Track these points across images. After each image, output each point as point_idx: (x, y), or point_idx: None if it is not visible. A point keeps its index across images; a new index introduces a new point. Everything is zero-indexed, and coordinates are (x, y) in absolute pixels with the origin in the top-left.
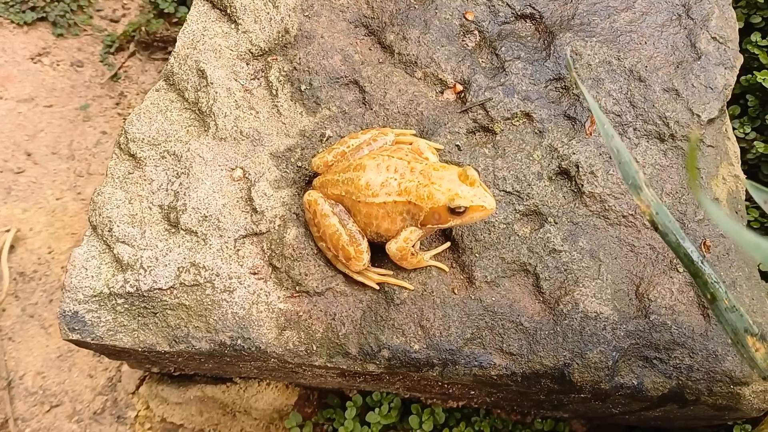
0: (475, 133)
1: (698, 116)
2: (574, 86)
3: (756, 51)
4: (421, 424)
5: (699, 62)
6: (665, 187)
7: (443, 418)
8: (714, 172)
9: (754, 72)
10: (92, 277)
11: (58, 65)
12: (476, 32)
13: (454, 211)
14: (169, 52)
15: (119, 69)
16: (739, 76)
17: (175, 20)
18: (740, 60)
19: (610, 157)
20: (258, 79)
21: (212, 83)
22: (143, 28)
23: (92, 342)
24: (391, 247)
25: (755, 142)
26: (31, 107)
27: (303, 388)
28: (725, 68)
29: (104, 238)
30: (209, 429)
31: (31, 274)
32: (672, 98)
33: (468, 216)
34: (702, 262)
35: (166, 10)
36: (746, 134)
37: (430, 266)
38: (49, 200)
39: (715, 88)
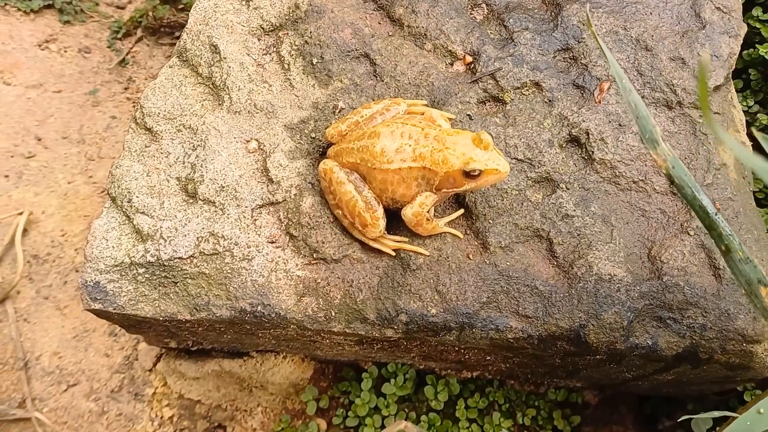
0: (485, 103)
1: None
2: (582, 56)
3: (758, 25)
4: (436, 395)
5: (704, 31)
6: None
7: (458, 389)
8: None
9: (757, 46)
10: (113, 247)
11: (65, 51)
12: (484, 5)
13: (468, 175)
14: (177, 37)
15: (127, 54)
16: (741, 51)
17: (181, 6)
18: (744, 29)
19: (620, 124)
20: (270, 53)
21: (225, 58)
22: (150, 14)
23: (114, 312)
24: (407, 212)
25: (758, 115)
26: (40, 93)
27: (318, 362)
28: (729, 37)
29: (124, 209)
30: (226, 404)
31: (44, 257)
32: (678, 66)
33: (483, 179)
34: (717, 215)
35: None
36: (749, 107)
37: (444, 233)
38: (61, 184)
39: (720, 56)
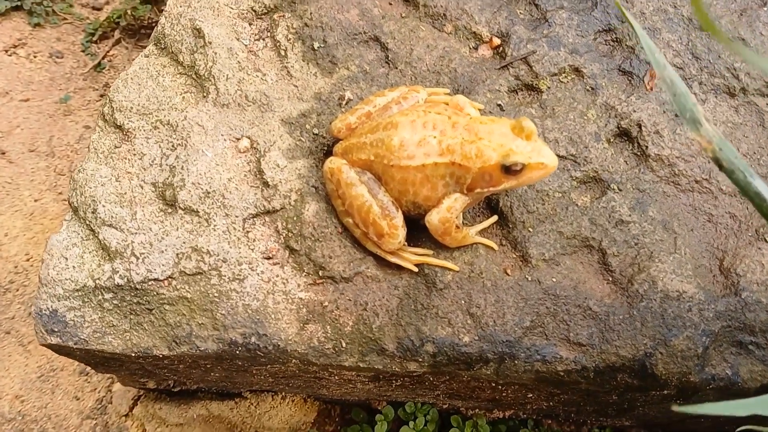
0: (517, 92)
1: None
2: (627, 38)
3: None
4: None
5: (766, 8)
6: (740, 147)
7: (488, 431)
8: None
9: None
10: (74, 267)
11: (35, 57)
12: None
13: (509, 170)
14: None
15: (103, 58)
16: None
17: (163, 6)
18: None
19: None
20: (263, 39)
21: (210, 43)
22: (129, 13)
23: (75, 347)
24: (433, 219)
25: None
26: (6, 102)
27: (323, 402)
28: None
29: (87, 222)
30: None
31: (6, 285)
32: (739, 48)
33: (525, 176)
34: None
35: None
36: None
37: (476, 243)
38: (27, 202)
39: None
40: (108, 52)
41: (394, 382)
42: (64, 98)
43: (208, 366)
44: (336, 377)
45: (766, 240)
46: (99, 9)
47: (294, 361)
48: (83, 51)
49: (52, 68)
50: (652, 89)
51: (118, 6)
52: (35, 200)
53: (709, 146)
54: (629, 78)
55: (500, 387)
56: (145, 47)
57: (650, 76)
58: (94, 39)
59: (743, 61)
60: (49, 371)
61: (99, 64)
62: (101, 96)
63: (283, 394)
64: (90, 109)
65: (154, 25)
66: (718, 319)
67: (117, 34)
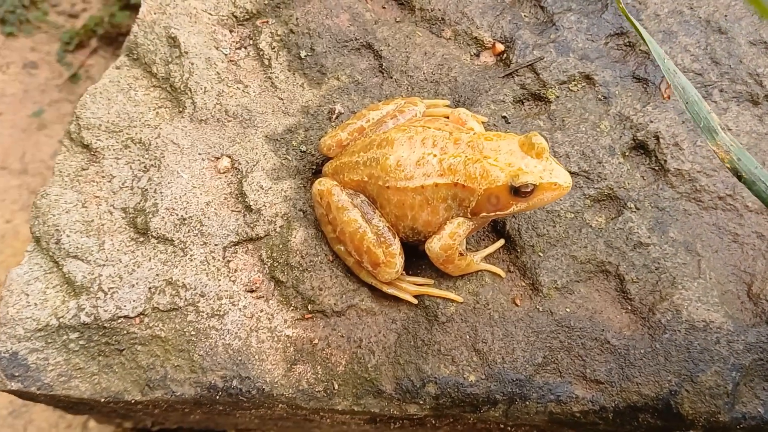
0: (523, 102)
1: None
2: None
3: None
4: None
5: None
6: (766, 159)
7: None
8: None
9: None
10: (36, 305)
11: (8, 68)
12: None
13: (518, 192)
14: None
15: (79, 68)
16: None
17: None
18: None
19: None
20: (245, 47)
21: (187, 52)
22: (106, 20)
23: (39, 392)
24: (434, 246)
25: None
26: None
27: None
28: None
29: (50, 253)
30: None
31: None
32: (761, 52)
33: (537, 198)
34: None
35: (132, 1)
36: None
37: (481, 271)
38: None
39: None
40: (84, 61)
41: (392, 424)
42: (38, 112)
43: (186, 410)
44: (328, 420)
45: None
46: (75, 16)
47: (281, 405)
48: (59, 61)
49: (26, 80)
50: (669, 97)
51: (95, 13)
52: (6, 221)
53: (727, 156)
54: (644, 85)
55: (510, 428)
56: None
57: (667, 84)
58: (70, 48)
59: (766, 66)
60: (21, 406)
61: (75, 74)
62: None
63: None
64: (65, 122)
65: None
66: (748, 352)
67: (94, 43)
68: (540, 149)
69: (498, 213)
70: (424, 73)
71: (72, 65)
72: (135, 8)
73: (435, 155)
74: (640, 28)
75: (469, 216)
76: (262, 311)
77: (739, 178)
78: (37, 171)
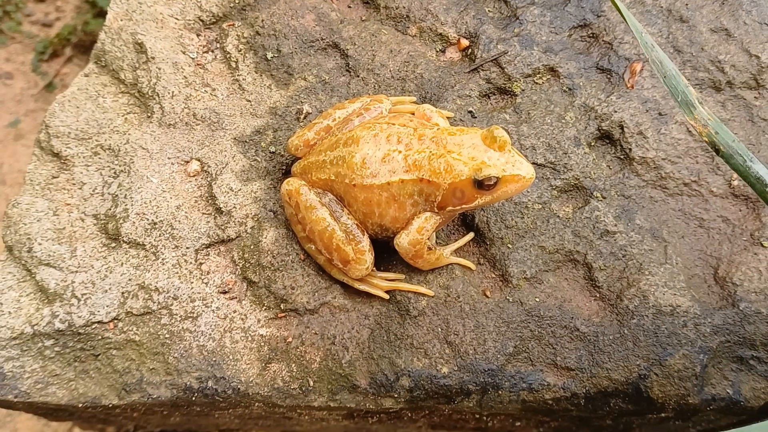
0: (490, 96)
1: (757, 57)
2: (604, 33)
3: None
4: None
5: None
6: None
7: None
8: None
9: None
10: (9, 313)
11: None
12: None
13: (481, 185)
14: None
15: (54, 78)
16: None
17: None
18: None
19: (660, 113)
20: (212, 51)
21: (153, 58)
22: (80, 29)
23: (16, 400)
24: (402, 242)
25: None
26: None
27: None
28: None
29: (23, 262)
30: None
31: None
32: (723, 39)
33: (501, 190)
34: None
35: (105, 8)
36: None
37: (451, 264)
38: None
39: None
40: (59, 70)
41: (370, 417)
42: (14, 122)
43: (165, 412)
44: (306, 417)
45: (762, 244)
46: (49, 26)
47: (257, 404)
48: (33, 71)
49: (1, 90)
50: (632, 87)
51: (69, 22)
52: None
53: (704, 130)
54: (608, 76)
55: (485, 418)
56: None
57: (630, 73)
58: (45, 58)
59: (728, 53)
60: (5, 416)
61: (50, 83)
62: None
63: None
64: None
65: None
66: (715, 334)
67: (68, 52)
68: (502, 142)
69: (464, 206)
70: (390, 71)
71: (47, 74)
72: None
73: (400, 152)
74: (618, 3)
75: (436, 210)
76: (235, 312)
77: (717, 151)
78: (15, 181)
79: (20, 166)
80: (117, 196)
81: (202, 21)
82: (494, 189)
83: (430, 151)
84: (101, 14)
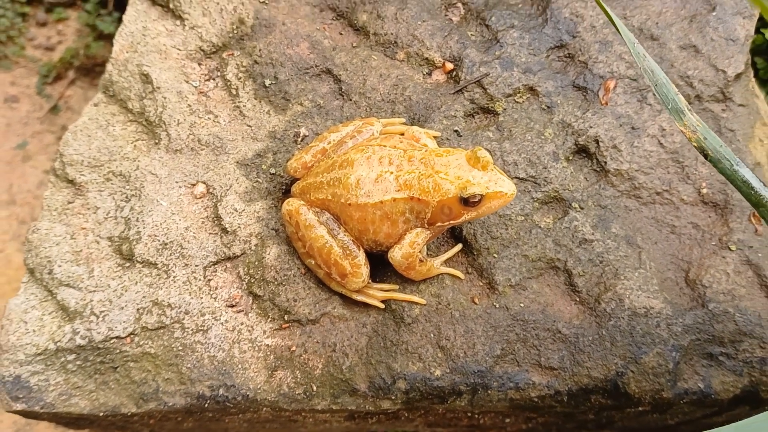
0: (474, 116)
1: (724, 72)
2: (579, 53)
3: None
4: None
5: (714, 14)
6: (699, 156)
7: None
8: (750, 133)
9: (762, 30)
10: (34, 331)
11: None
12: (460, 4)
13: (467, 202)
14: None
15: (59, 100)
16: None
17: None
18: (757, 9)
19: (633, 127)
20: (213, 79)
21: (159, 88)
22: (82, 53)
23: (42, 411)
24: (396, 255)
25: None
26: None
27: None
28: (743, 18)
29: (44, 283)
30: None
31: None
32: (691, 55)
33: (485, 206)
34: (763, 189)
35: (106, 32)
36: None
37: (442, 274)
38: None
39: (737, 40)
40: (63, 93)
41: (370, 419)
42: (22, 144)
43: (179, 419)
44: (311, 419)
45: (729, 248)
46: (52, 49)
47: (265, 409)
48: (38, 94)
49: (7, 114)
50: (607, 103)
51: (71, 45)
52: None
53: (694, 136)
54: (584, 93)
55: (476, 416)
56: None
57: (604, 90)
58: (49, 81)
59: (696, 69)
60: (25, 425)
61: (55, 106)
62: (58, 139)
63: None
64: (48, 152)
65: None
66: (686, 333)
67: (72, 74)
68: (485, 162)
69: (452, 222)
70: (380, 94)
71: (52, 97)
72: (109, 38)
73: (392, 173)
74: (613, 16)
75: (426, 226)
76: (242, 324)
77: (706, 156)
78: (25, 201)
79: (29, 187)
80: (129, 219)
81: (203, 51)
82: (479, 205)
83: (420, 172)
84: (102, 37)
